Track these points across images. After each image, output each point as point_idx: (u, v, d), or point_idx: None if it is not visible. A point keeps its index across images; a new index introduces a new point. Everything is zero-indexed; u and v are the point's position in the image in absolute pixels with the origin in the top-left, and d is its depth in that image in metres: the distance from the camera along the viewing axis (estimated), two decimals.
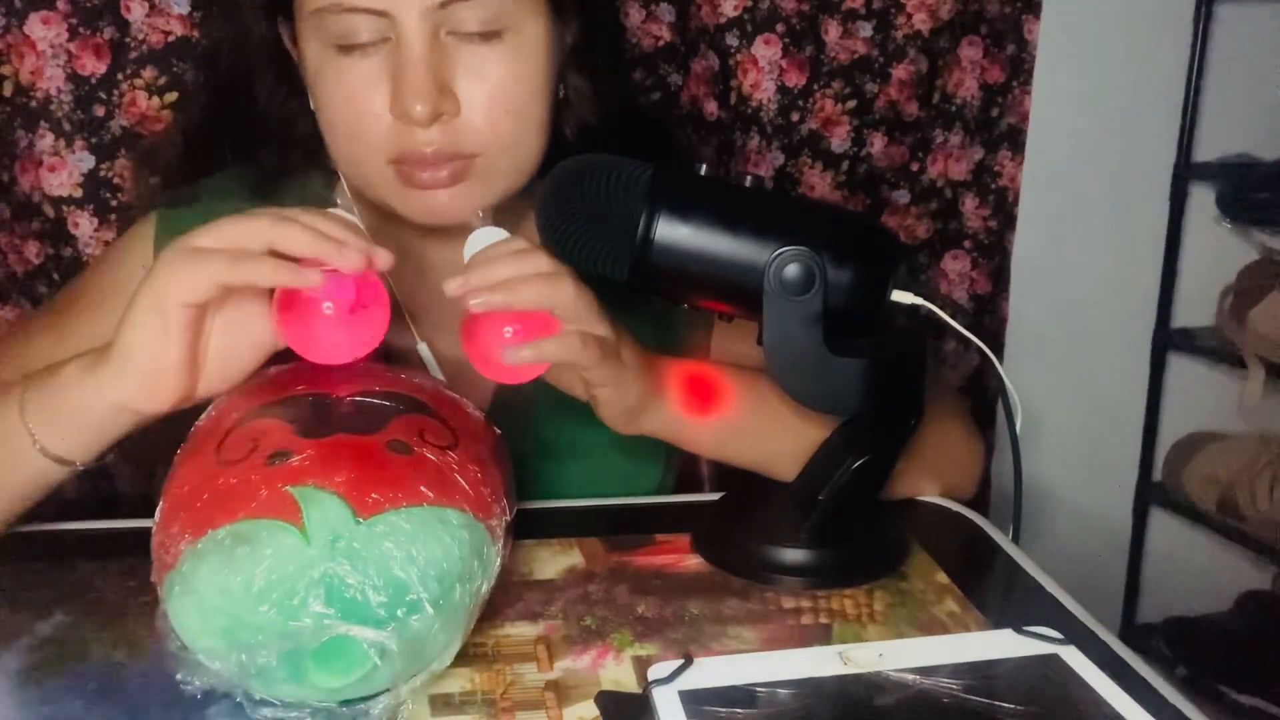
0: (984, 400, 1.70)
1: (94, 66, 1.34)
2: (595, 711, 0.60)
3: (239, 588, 0.55)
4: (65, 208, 1.36)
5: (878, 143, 1.60)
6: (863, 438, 0.75)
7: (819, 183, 1.59)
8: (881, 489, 0.79)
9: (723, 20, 1.50)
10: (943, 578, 0.76)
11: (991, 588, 0.79)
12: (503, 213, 0.84)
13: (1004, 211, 1.68)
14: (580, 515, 0.85)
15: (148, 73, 1.34)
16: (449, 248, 0.87)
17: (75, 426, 0.69)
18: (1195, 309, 1.86)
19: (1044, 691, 0.60)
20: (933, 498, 0.88)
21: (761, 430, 0.82)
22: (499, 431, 0.71)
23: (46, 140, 1.34)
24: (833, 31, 1.54)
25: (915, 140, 1.62)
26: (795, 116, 1.56)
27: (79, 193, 1.36)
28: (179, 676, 0.56)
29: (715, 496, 0.85)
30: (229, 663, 0.55)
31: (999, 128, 1.65)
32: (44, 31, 1.32)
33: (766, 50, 1.52)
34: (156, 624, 0.58)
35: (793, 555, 0.75)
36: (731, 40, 1.51)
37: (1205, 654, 1.78)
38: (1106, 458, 1.92)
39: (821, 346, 0.71)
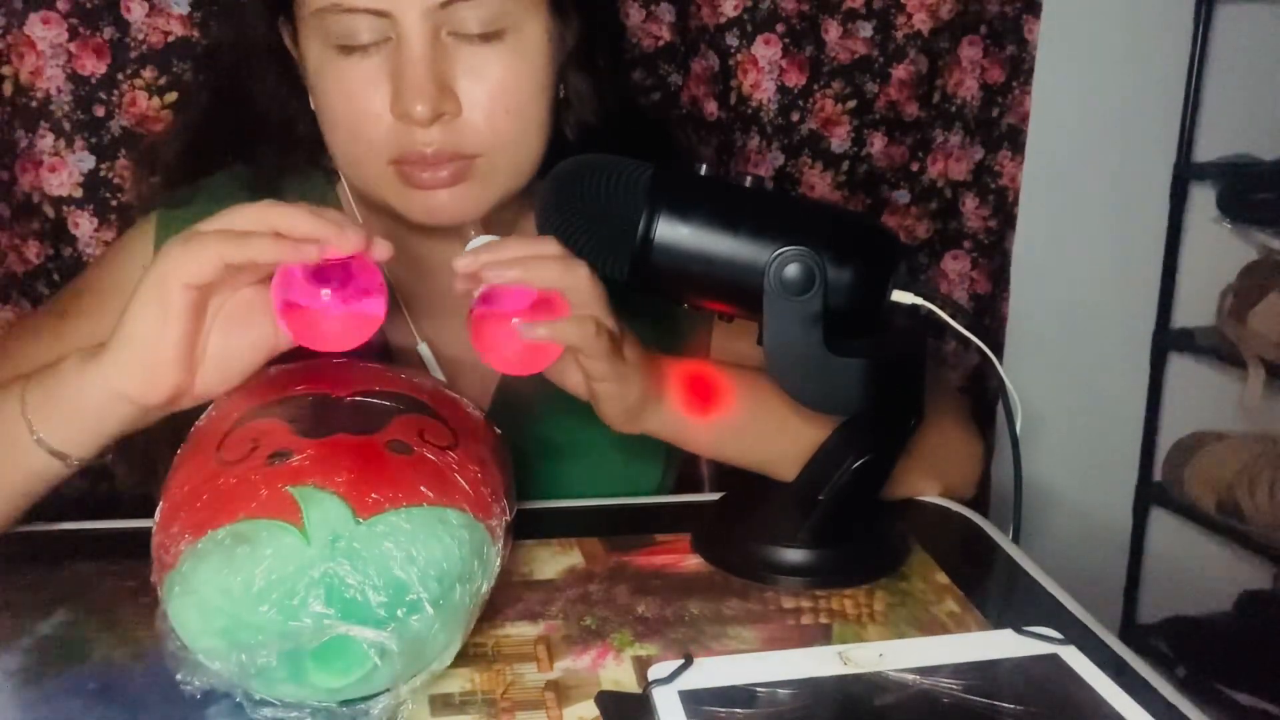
0: (984, 400, 1.70)
1: (94, 66, 1.34)
2: (595, 711, 0.60)
3: (239, 588, 0.55)
4: (65, 208, 1.36)
5: (878, 143, 1.60)
6: (863, 438, 0.75)
7: (819, 183, 1.60)
8: (881, 489, 0.79)
9: (723, 20, 1.51)
10: (943, 578, 0.76)
11: (991, 588, 0.79)
12: (503, 213, 0.84)
13: (1004, 211, 1.68)
14: (580, 515, 0.85)
15: (148, 73, 1.34)
16: (449, 248, 0.87)
17: (73, 416, 0.68)
18: (1195, 309, 1.86)
19: (1044, 691, 0.60)
20: (933, 498, 0.88)
21: (761, 430, 0.82)
22: (499, 431, 0.71)
23: (46, 140, 1.34)
24: (833, 31, 1.54)
25: (915, 140, 1.62)
26: (795, 116, 1.56)
27: (79, 193, 1.36)
28: (179, 676, 0.56)
29: (715, 496, 0.85)
30: (229, 663, 0.55)
31: (999, 128, 1.65)
32: (44, 31, 1.32)
33: (766, 50, 1.53)
34: (156, 624, 0.58)
35: (793, 555, 0.75)
36: (731, 40, 1.51)
37: (1205, 654, 1.78)
38: (1106, 458, 1.92)
39: (821, 346, 0.71)
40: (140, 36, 1.34)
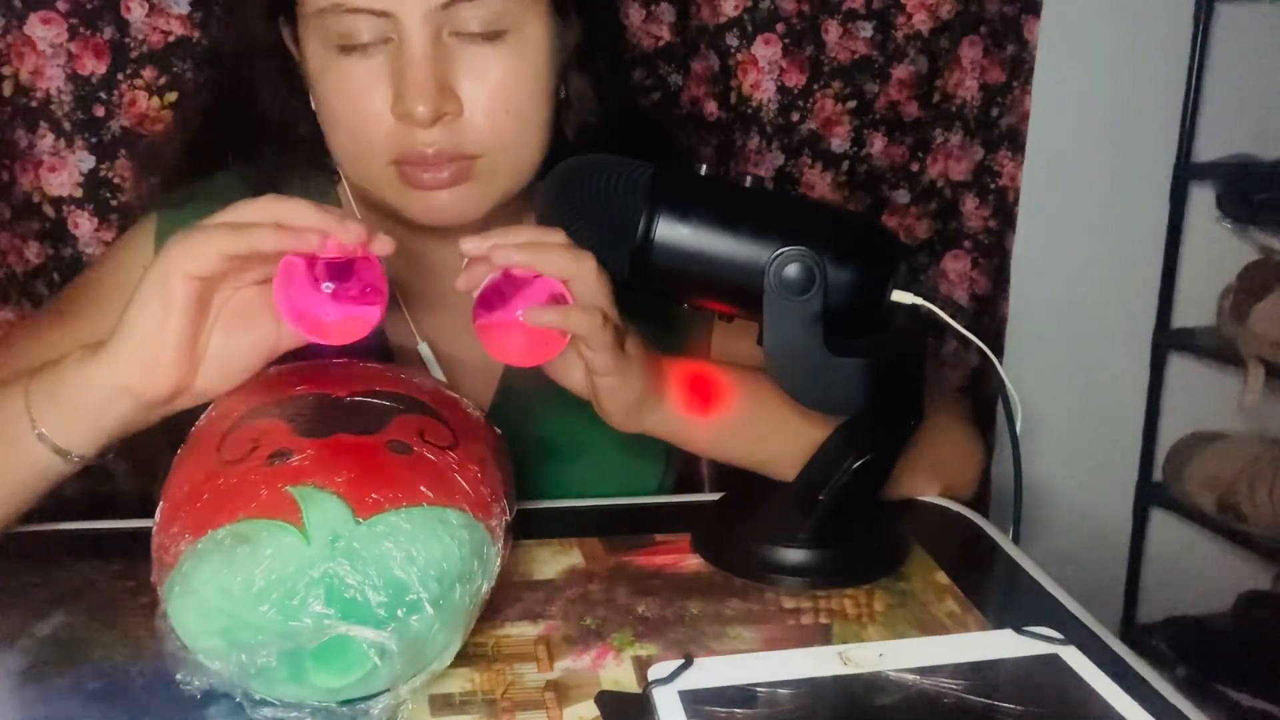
0: (984, 400, 1.70)
1: (94, 66, 1.34)
2: (595, 711, 0.60)
3: (239, 588, 0.55)
4: (65, 208, 1.36)
5: (878, 143, 1.60)
6: (863, 438, 0.75)
7: (819, 183, 1.60)
8: (881, 489, 0.79)
9: (723, 20, 1.51)
10: (943, 578, 0.76)
11: (991, 588, 0.79)
12: (503, 213, 0.84)
13: (1004, 211, 1.68)
14: (580, 515, 0.85)
15: (148, 73, 1.35)
16: (450, 248, 0.87)
17: (75, 411, 0.68)
18: (1195, 309, 1.86)
19: (1044, 691, 0.60)
20: (933, 498, 0.88)
21: (761, 430, 0.82)
22: (499, 431, 0.71)
23: (46, 140, 1.34)
24: (833, 31, 1.54)
25: (915, 140, 1.62)
26: (795, 116, 1.56)
27: (79, 193, 1.36)
28: (179, 676, 0.56)
29: (715, 496, 0.85)
30: (229, 663, 0.55)
31: (999, 128, 1.65)
32: (44, 31, 1.32)
33: (766, 50, 1.53)
34: (156, 624, 0.58)
35: (793, 555, 0.75)
36: (731, 40, 1.51)
37: (1205, 654, 1.78)
38: (1106, 458, 1.92)
39: (821, 346, 0.71)
40: (140, 36, 1.34)
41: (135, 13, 1.33)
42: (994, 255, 1.70)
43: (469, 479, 0.62)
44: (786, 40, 1.53)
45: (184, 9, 1.34)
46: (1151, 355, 1.88)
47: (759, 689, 0.59)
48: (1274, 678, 1.69)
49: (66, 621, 0.68)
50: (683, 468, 0.99)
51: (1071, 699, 0.59)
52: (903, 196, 1.64)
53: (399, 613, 0.55)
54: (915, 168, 1.64)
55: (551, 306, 0.69)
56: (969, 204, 1.67)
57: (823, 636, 0.68)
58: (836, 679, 0.60)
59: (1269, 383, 1.74)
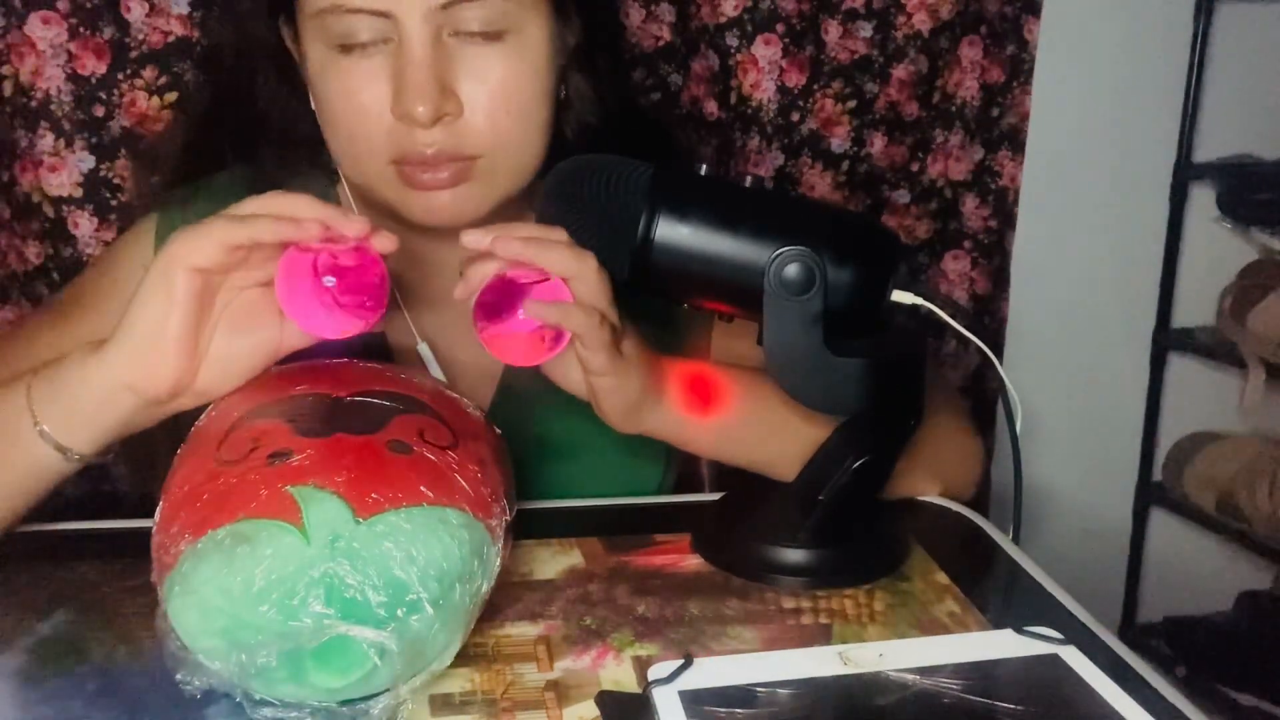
0: (984, 400, 1.70)
1: (94, 66, 1.34)
2: (595, 711, 0.60)
3: (239, 588, 0.55)
4: (65, 208, 1.36)
5: (878, 143, 1.60)
6: (863, 438, 0.75)
7: (819, 183, 1.60)
8: (881, 489, 0.79)
9: (723, 20, 1.51)
10: (943, 578, 0.76)
11: (991, 588, 0.79)
12: (503, 213, 0.84)
13: (1004, 211, 1.68)
14: (580, 515, 0.85)
15: (148, 73, 1.35)
16: (450, 248, 0.87)
17: (76, 408, 0.68)
18: (1195, 309, 1.86)
19: (1044, 691, 0.60)
20: (933, 498, 0.88)
21: (762, 431, 0.82)
22: (499, 431, 0.71)
23: (46, 140, 1.34)
24: (833, 31, 1.54)
25: (915, 140, 1.62)
26: (795, 116, 1.56)
27: (79, 193, 1.36)
28: (179, 676, 0.56)
29: (715, 496, 0.85)
30: (229, 663, 0.55)
31: (999, 128, 1.65)
32: (44, 31, 1.32)
33: (766, 50, 1.53)
34: (156, 624, 0.58)
35: (793, 555, 0.75)
36: (731, 40, 1.51)
37: (1205, 654, 1.78)
38: (1106, 458, 1.92)
39: (821, 346, 0.70)
40: (140, 36, 1.34)
41: (135, 13, 1.33)
42: (994, 255, 1.70)
43: (469, 479, 0.62)
44: (786, 40, 1.53)
45: (184, 9, 1.34)
46: (1151, 355, 1.88)
47: (759, 689, 0.59)
48: (1274, 678, 1.69)
49: (66, 621, 0.68)
50: (683, 468, 0.99)
51: (1071, 699, 0.59)
52: (903, 196, 1.65)
53: (399, 613, 0.55)
54: (915, 168, 1.64)
55: (552, 303, 0.69)
56: (969, 204, 1.67)
57: (823, 636, 0.68)
58: (836, 679, 0.60)
59: (1269, 383, 1.74)
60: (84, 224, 1.37)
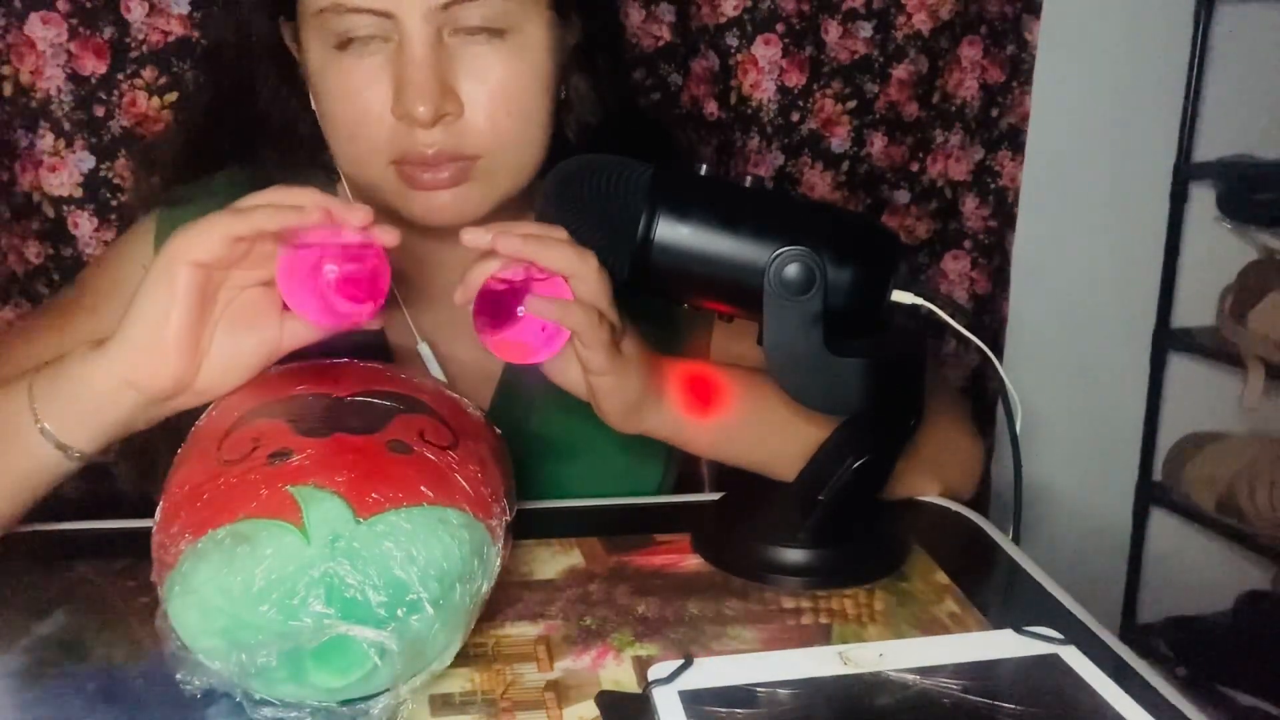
0: (984, 400, 1.70)
1: (94, 66, 1.34)
2: (595, 711, 0.60)
3: (239, 587, 0.55)
4: (65, 208, 1.36)
5: (878, 143, 1.60)
6: (863, 438, 0.75)
7: (819, 183, 1.60)
8: (881, 489, 0.79)
9: (723, 20, 1.51)
10: (943, 578, 0.76)
11: (991, 588, 0.79)
12: (503, 213, 0.84)
13: (1004, 211, 1.68)
14: (580, 515, 0.85)
15: (148, 73, 1.35)
16: (450, 248, 0.87)
17: (77, 405, 0.69)
18: (1195, 309, 1.86)
19: (1044, 691, 0.60)
20: (933, 498, 0.88)
21: (761, 431, 0.82)
22: (499, 431, 0.71)
23: (46, 140, 1.34)
24: (833, 31, 1.54)
25: (915, 140, 1.62)
26: (795, 116, 1.56)
27: (79, 193, 1.36)
28: (179, 676, 0.56)
29: (715, 496, 0.85)
30: (229, 663, 0.55)
31: (999, 128, 1.65)
32: (44, 31, 1.32)
33: (766, 50, 1.53)
34: (156, 624, 0.58)
35: (793, 555, 0.75)
36: (731, 40, 1.51)
37: (1205, 654, 1.78)
38: (1106, 458, 1.92)
39: (821, 346, 0.71)
40: (140, 36, 1.34)
41: (135, 13, 1.33)
42: (994, 255, 1.70)
43: (469, 479, 0.62)
44: (786, 40, 1.53)
45: (184, 9, 1.34)
46: (1151, 355, 1.88)
47: (759, 689, 0.59)
48: (1274, 678, 1.69)
49: (66, 621, 0.68)
50: (683, 468, 0.99)
51: (1071, 699, 0.59)
52: (903, 196, 1.64)
53: (399, 612, 0.55)
54: (915, 168, 1.64)
55: (552, 300, 0.70)
56: (969, 204, 1.67)
57: (823, 636, 0.68)
58: (836, 679, 0.60)
59: (1269, 383, 1.74)
60: (84, 224, 1.37)
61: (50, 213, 1.36)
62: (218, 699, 0.58)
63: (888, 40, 1.56)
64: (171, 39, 1.34)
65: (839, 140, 1.58)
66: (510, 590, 0.72)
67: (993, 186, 1.67)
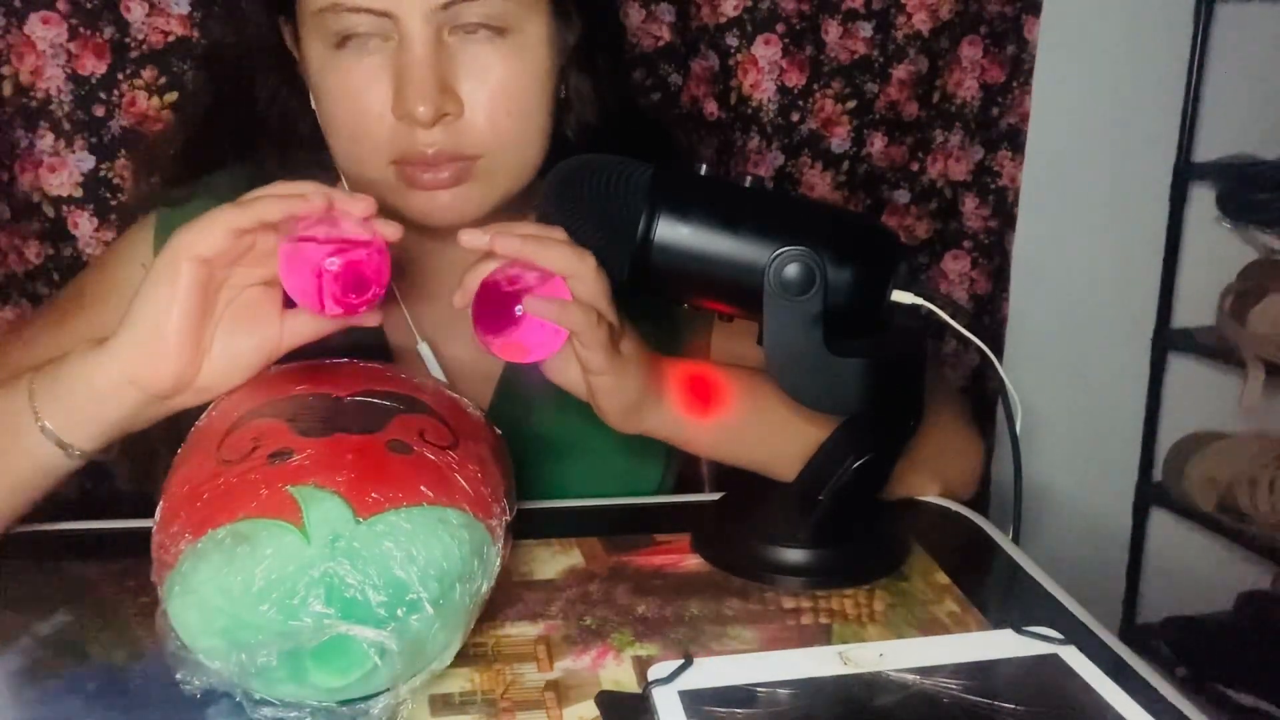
0: (984, 400, 1.70)
1: (94, 66, 1.34)
2: (595, 711, 0.60)
3: (239, 587, 0.55)
4: (65, 208, 1.36)
5: (878, 143, 1.60)
6: (863, 438, 0.75)
7: (819, 183, 1.60)
8: (881, 489, 0.79)
9: (723, 20, 1.51)
10: (943, 578, 0.76)
11: (991, 588, 0.79)
12: (503, 213, 0.84)
13: (1004, 211, 1.68)
14: (580, 515, 0.85)
15: (148, 73, 1.35)
16: (450, 248, 0.87)
17: (78, 403, 0.69)
18: (1195, 309, 1.86)
19: (1044, 691, 0.60)
20: (933, 498, 0.88)
21: (761, 431, 0.82)
22: (499, 431, 0.71)
23: (46, 140, 1.34)
24: (833, 31, 1.54)
25: (915, 140, 1.62)
26: (795, 116, 1.56)
27: (79, 193, 1.36)
28: (179, 676, 0.56)
29: (715, 496, 0.85)
30: (229, 662, 0.55)
31: (999, 128, 1.65)
32: (44, 31, 1.32)
33: (766, 50, 1.53)
34: (156, 624, 0.58)
35: (793, 555, 0.75)
36: (731, 40, 1.51)
37: (1205, 654, 1.78)
38: (1106, 458, 1.92)
39: (821, 346, 0.70)
40: (140, 36, 1.34)
41: (135, 13, 1.33)
42: (994, 255, 1.70)
43: (469, 478, 0.62)
44: (786, 40, 1.53)
45: (184, 9, 1.34)
46: (1151, 355, 1.88)
47: (759, 689, 0.59)
48: (1274, 678, 1.69)
49: (66, 621, 0.68)
50: (683, 468, 0.99)
51: (1071, 699, 0.59)
52: (903, 196, 1.65)
53: (399, 612, 0.55)
54: (915, 168, 1.64)
55: (551, 299, 0.70)
56: (969, 204, 1.67)
57: (823, 636, 0.68)
58: (836, 679, 0.60)
59: (1269, 383, 1.74)
60: (84, 224, 1.37)
61: (50, 213, 1.36)
62: (218, 699, 0.58)
63: (888, 40, 1.56)
64: (171, 39, 1.34)
65: (839, 140, 1.58)
66: (510, 590, 0.72)
67: (993, 186, 1.67)
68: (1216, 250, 1.85)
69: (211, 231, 0.66)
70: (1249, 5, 1.75)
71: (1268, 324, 1.73)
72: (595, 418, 0.77)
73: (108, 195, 1.36)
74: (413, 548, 0.56)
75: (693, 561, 0.77)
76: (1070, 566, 0.84)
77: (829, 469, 0.76)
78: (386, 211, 0.82)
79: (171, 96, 1.35)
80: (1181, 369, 1.90)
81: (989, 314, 1.72)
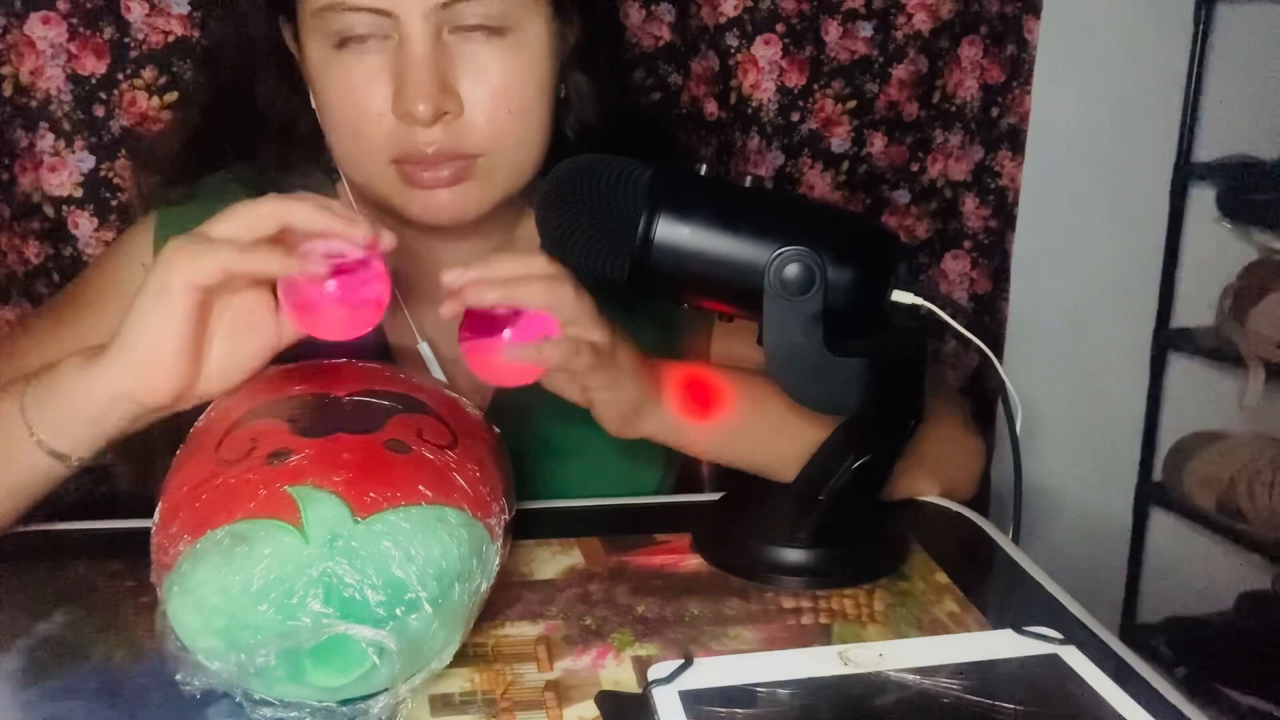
0: (984, 400, 1.70)
1: (94, 66, 1.34)
2: (595, 711, 0.60)
3: (238, 587, 0.55)
4: (65, 208, 1.36)
5: (878, 143, 1.60)
6: (863, 438, 0.75)
7: (819, 183, 1.60)
8: (881, 489, 0.79)
9: (723, 20, 1.51)
10: (943, 578, 0.76)
11: (991, 588, 0.79)
12: (503, 213, 0.84)
13: (1004, 211, 1.68)
14: (580, 515, 0.85)
15: (148, 73, 1.35)
16: (450, 247, 0.87)
17: (74, 417, 0.68)
18: (1195, 309, 1.86)
19: (1044, 691, 0.60)
20: (933, 498, 0.88)
21: (761, 432, 0.82)
22: (498, 431, 0.71)
23: (46, 140, 1.34)
24: (833, 31, 1.54)
25: (915, 140, 1.62)
26: (795, 116, 1.56)
27: (79, 193, 1.36)
28: (179, 676, 0.56)
29: (715, 496, 0.85)
30: (228, 662, 0.55)
31: (999, 128, 1.65)
32: (44, 31, 1.32)
33: (766, 50, 1.53)
34: (156, 624, 0.58)
35: (793, 555, 0.75)
36: (731, 40, 1.51)
37: (1205, 654, 1.78)
38: (1106, 458, 1.92)
39: (821, 346, 0.70)
40: (140, 36, 1.34)
41: (135, 13, 1.33)
42: (994, 255, 1.70)
43: (468, 478, 0.62)
44: (786, 40, 1.53)
45: (184, 9, 1.34)
46: (1151, 355, 1.88)
47: (759, 689, 0.59)
48: (1274, 678, 1.69)
49: (66, 621, 0.68)
50: (683, 468, 0.99)
51: (1071, 699, 0.59)
52: (903, 196, 1.64)
53: (398, 612, 0.55)
54: (915, 168, 1.64)
55: (526, 344, 0.70)
56: (969, 204, 1.67)
57: (823, 636, 0.68)
58: (836, 679, 0.60)
59: (1269, 383, 1.74)
60: (84, 224, 1.37)
61: (50, 213, 1.36)
62: (217, 699, 0.58)
63: (888, 40, 1.56)
64: (171, 39, 1.34)
65: (839, 140, 1.58)
66: (510, 590, 0.72)
67: (993, 186, 1.67)
68: (1216, 250, 1.85)
69: (207, 265, 0.64)
70: (1249, 5, 1.75)
71: (1268, 324, 1.72)
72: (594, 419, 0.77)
73: (108, 195, 1.36)
74: (411, 547, 0.56)
75: (693, 561, 0.77)
76: (1070, 566, 0.84)
77: (829, 469, 0.76)
78: (386, 211, 0.83)
79: (171, 96, 1.35)
80: (1181, 369, 1.90)
81: (989, 314, 1.72)
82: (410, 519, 0.57)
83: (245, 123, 0.89)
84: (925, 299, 0.72)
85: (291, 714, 0.56)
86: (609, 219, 0.70)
